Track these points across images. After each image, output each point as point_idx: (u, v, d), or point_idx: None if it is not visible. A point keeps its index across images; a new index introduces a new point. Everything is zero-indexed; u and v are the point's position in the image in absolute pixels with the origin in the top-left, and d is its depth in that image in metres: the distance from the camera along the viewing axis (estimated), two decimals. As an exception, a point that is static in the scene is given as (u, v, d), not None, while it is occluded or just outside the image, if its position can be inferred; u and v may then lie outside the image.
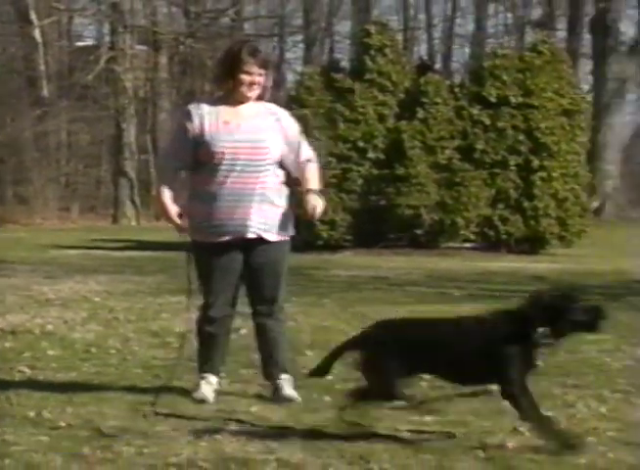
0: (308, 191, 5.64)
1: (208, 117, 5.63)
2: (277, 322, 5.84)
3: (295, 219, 5.77)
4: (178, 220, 5.66)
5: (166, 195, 5.66)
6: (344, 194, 18.33)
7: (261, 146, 5.61)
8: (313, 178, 5.70)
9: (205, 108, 5.68)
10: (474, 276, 13.49)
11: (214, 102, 5.74)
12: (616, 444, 4.81)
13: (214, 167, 5.59)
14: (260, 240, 5.64)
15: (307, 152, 5.77)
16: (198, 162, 5.66)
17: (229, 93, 5.68)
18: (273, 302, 5.79)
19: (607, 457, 4.55)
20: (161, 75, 34.37)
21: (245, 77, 5.58)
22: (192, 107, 5.75)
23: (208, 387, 5.73)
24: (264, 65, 5.66)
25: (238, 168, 5.58)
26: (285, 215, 5.69)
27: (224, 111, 5.65)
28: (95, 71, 31.89)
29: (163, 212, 5.71)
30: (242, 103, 5.66)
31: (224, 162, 5.57)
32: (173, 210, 5.65)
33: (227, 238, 5.61)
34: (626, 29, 32.21)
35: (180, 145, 5.71)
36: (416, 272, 13.90)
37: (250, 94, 5.64)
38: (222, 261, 5.66)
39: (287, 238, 5.76)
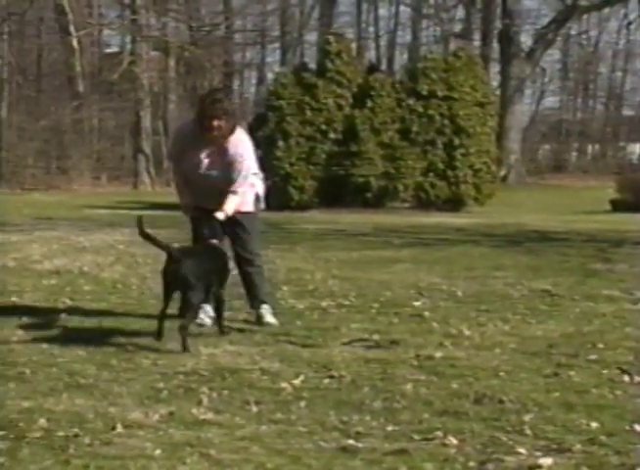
0: (222, 209, 5.53)
1: (184, 142, 5.65)
2: (255, 268, 5.84)
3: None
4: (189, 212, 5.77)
5: (183, 195, 5.79)
6: (312, 166, 18.22)
7: (215, 178, 5.58)
8: (229, 204, 5.54)
9: (183, 134, 5.74)
10: (410, 228, 13.50)
11: (192, 130, 5.63)
12: (515, 353, 4.85)
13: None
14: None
15: (239, 183, 5.59)
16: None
17: (200, 123, 5.55)
18: (252, 253, 5.81)
19: (508, 363, 4.59)
20: (170, 75, 33.88)
21: (206, 122, 5.46)
22: (180, 130, 6.05)
23: (205, 314, 5.72)
24: (222, 113, 5.45)
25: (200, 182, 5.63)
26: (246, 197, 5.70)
27: (195, 140, 5.57)
28: (119, 72, 31.40)
29: (184, 208, 5.84)
30: (206, 137, 5.54)
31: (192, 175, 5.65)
32: (190, 206, 5.74)
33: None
34: (525, 40, 32.38)
35: (176, 155, 5.80)
36: (366, 226, 13.88)
37: (210, 135, 5.50)
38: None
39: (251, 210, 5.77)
